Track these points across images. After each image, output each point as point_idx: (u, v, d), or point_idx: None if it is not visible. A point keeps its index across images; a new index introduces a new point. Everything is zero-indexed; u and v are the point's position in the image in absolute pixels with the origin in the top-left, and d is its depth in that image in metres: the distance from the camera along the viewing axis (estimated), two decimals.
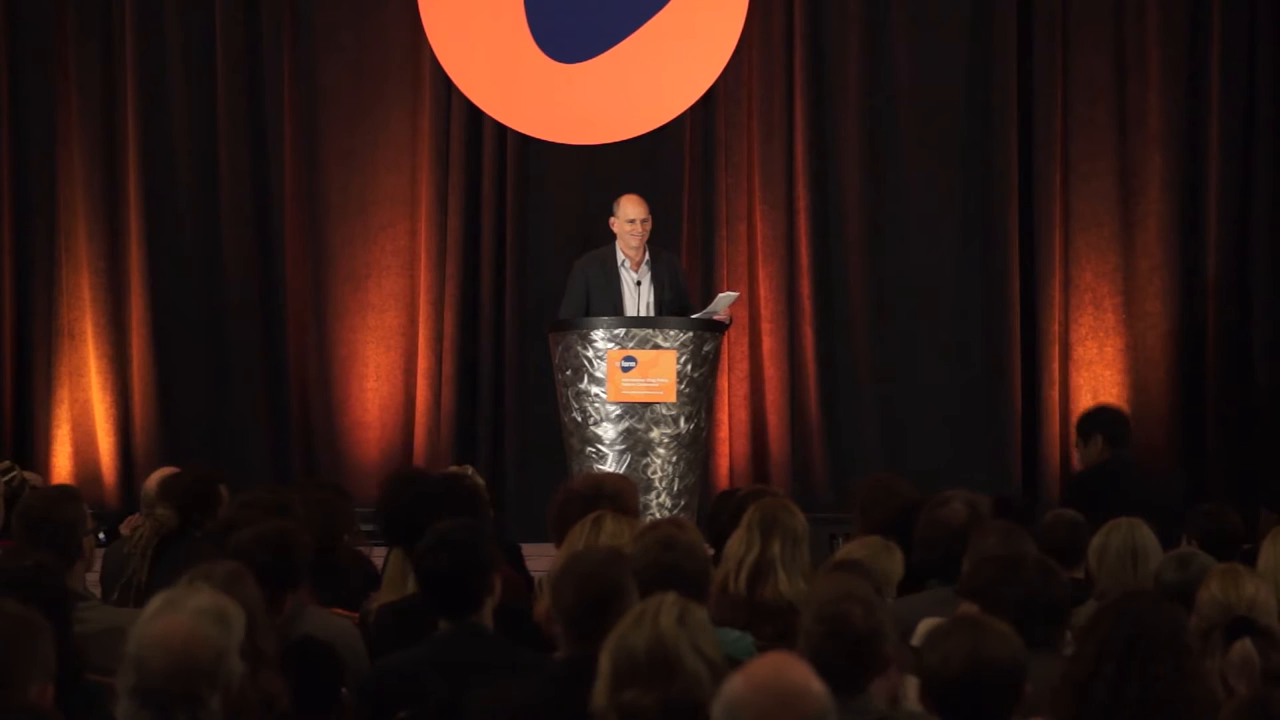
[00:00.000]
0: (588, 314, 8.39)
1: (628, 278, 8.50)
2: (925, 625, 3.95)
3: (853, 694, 3.44)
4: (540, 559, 5.73)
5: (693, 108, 10.34)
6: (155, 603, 3.27)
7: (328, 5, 10.51)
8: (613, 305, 8.42)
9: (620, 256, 8.54)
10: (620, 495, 5.33)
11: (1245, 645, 3.89)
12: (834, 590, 3.55)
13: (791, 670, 2.68)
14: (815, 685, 2.66)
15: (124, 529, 5.91)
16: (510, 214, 10.39)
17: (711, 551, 5.17)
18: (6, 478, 6.26)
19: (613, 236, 8.59)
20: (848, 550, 4.80)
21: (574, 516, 4.85)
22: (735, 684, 2.64)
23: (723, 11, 10.31)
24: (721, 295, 8.54)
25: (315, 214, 10.50)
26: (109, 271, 10.38)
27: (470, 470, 6.42)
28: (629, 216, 8.52)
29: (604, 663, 3.07)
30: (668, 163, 10.40)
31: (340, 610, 4.97)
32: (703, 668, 3.06)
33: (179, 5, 10.43)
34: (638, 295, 8.48)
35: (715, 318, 8.32)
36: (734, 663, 3.89)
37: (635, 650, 3.05)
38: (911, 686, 3.48)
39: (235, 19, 10.39)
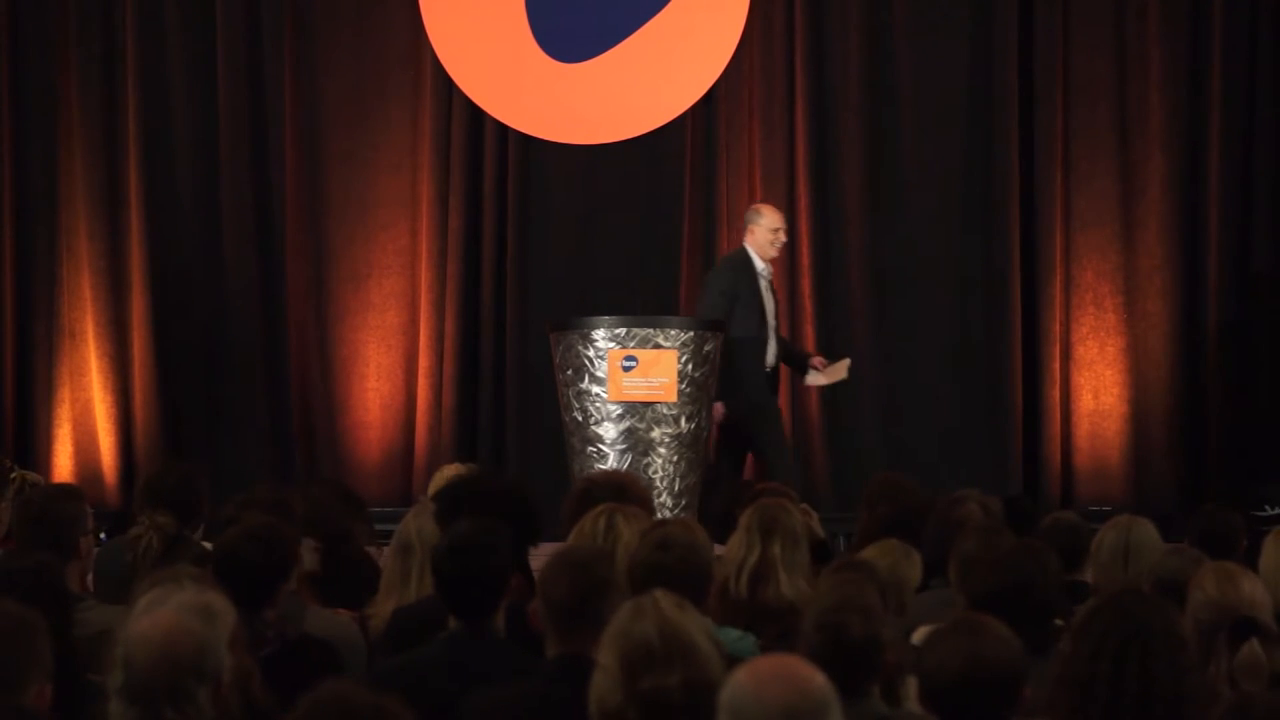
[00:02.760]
0: (731, 320, 8.52)
1: (763, 285, 8.72)
2: (925, 629, 3.95)
3: (854, 698, 3.44)
4: (541, 559, 5.71)
5: (693, 108, 10.34)
6: (142, 602, 3.27)
7: (328, 5, 10.51)
8: (759, 312, 8.69)
9: (759, 265, 8.72)
10: (638, 494, 5.33)
11: (1253, 647, 3.88)
12: (834, 598, 3.55)
13: (795, 663, 2.71)
14: (819, 676, 2.68)
15: None
16: (511, 214, 10.39)
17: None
18: (12, 477, 6.23)
19: (735, 239, 8.79)
20: (867, 554, 4.79)
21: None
22: (739, 677, 2.66)
23: (723, 11, 10.31)
24: (840, 363, 8.74)
25: (316, 214, 10.50)
26: (110, 271, 10.39)
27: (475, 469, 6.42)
28: (774, 226, 8.83)
29: (609, 660, 3.07)
30: (668, 163, 10.40)
31: (343, 610, 4.98)
32: (711, 648, 3.10)
33: (179, 5, 10.44)
34: (771, 301, 8.79)
35: (824, 380, 8.53)
36: (736, 661, 3.91)
37: (648, 639, 3.06)
38: (913, 686, 3.48)
39: (235, 19, 10.40)
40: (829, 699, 2.65)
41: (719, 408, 8.58)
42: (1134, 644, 3.32)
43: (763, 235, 8.77)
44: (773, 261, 9.02)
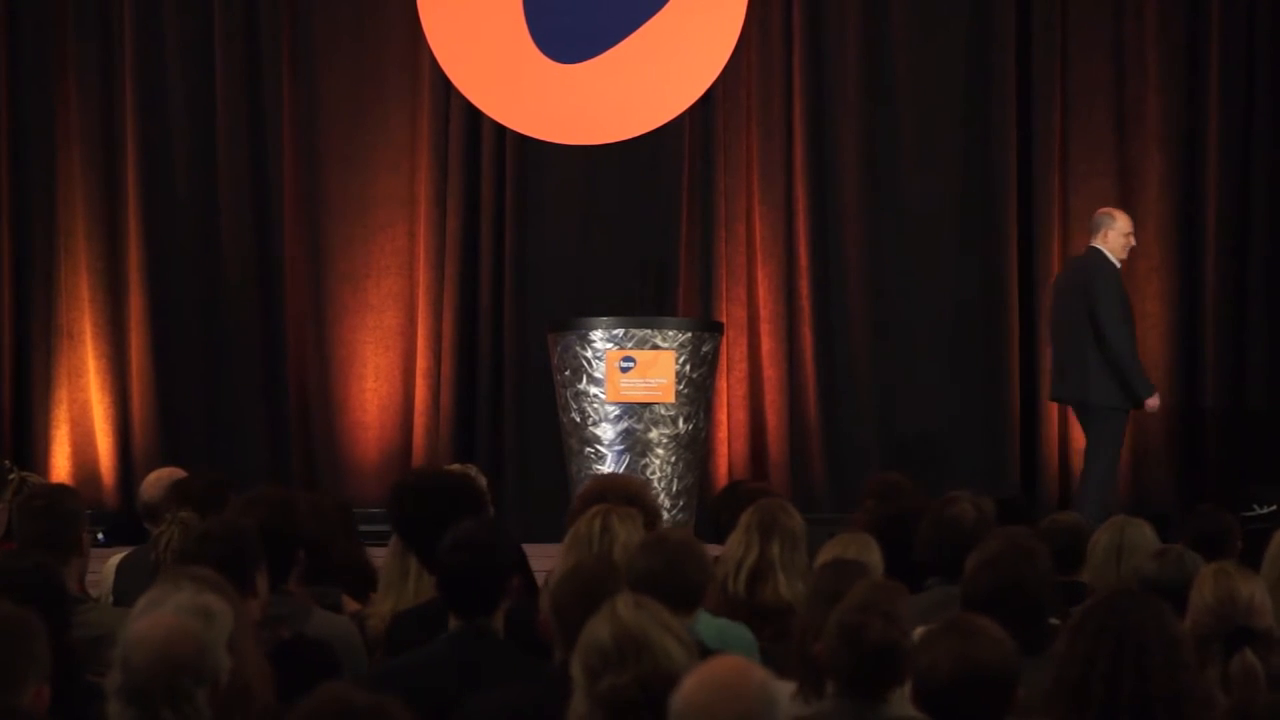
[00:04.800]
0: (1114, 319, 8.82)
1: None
2: (922, 629, 3.95)
3: (868, 702, 3.44)
4: (541, 559, 5.73)
5: (692, 108, 10.34)
6: (140, 602, 3.27)
7: (327, 5, 10.51)
8: (1128, 307, 9.00)
9: (1116, 263, 8.92)
10: (648, 505, 5.34)
11: (1246, 656, 3.89)
12: (857, 600, 3.54)
13: (738, 666, 2.74)
14: (758, 675, 2.70)
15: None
16: (509, 214, 10.39)
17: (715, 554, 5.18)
18: (10, 478, 6.22)
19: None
20: (829, 550, 4.81)
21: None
22: (686, 684, 2.70)
23: (722, 11, 10.31)
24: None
25: (314, 214, 10.49)
26: (108, 271, 10.38)
27: (474, 470, 6.44)
28: (1127, 230, 9.02)
29: (576, 670, 3.11)
30: (667, 163, 10.40)
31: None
32: (670, 641, 3.11)
33: (178, 5, 10.43)
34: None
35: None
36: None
37: (602, 643, 3.09)
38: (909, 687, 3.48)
39: (234, 19, 10.39)
40: (771, 698, 2.67)
41: (1155, 401, 8.96)
42: (1129, 644, 3.32)
43: (1116, 239, 8.98)
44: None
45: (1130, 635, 3.33)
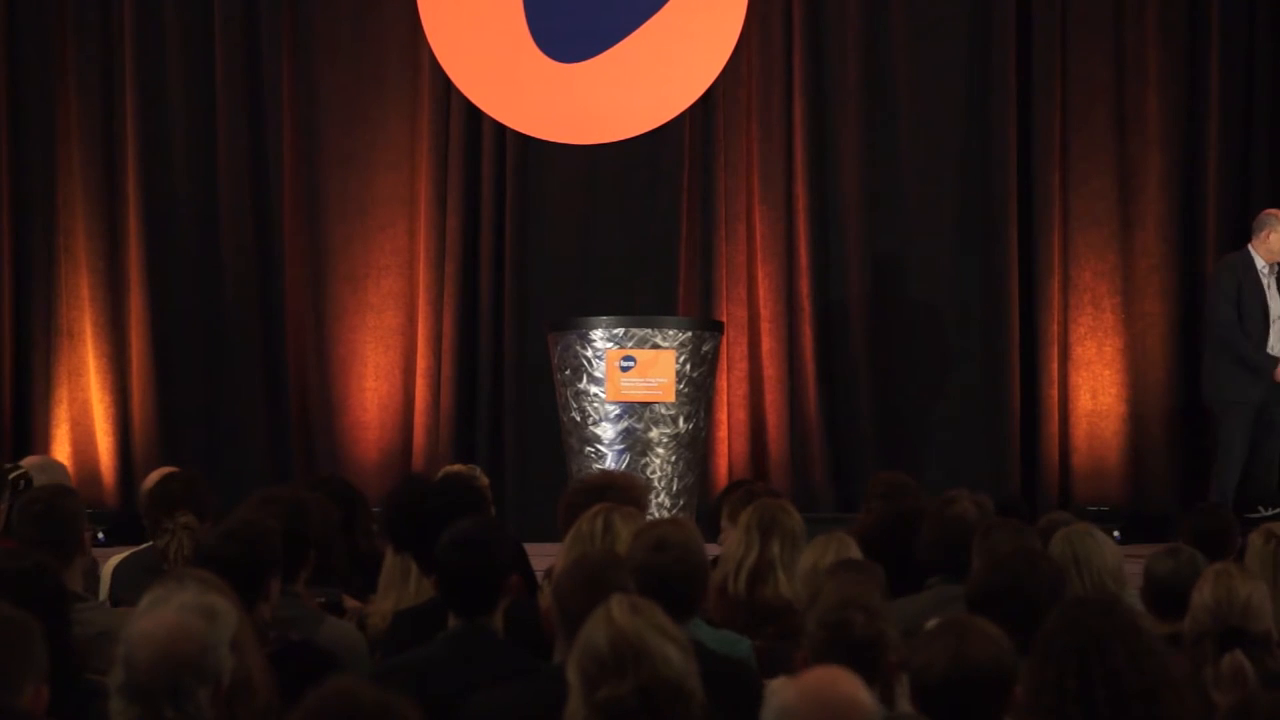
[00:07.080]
0: (1240, 315, 9.13)
1: (1265, 282, 9.20)
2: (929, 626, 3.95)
3: None
4: (540, 558, 5.73)
5: (692, 108, 10.35)
6: (144, 600, 3.27)
7: (327, 5, 10.52)
8: (1261, 307, 9.18)
9: (1260, 264, 9.19)
10: (631, 491, 5.34)
11: (1236, 657, 3.88)
12: (837, 597, 3.55)
13: (842, 681, 2.73)
14: (863, 695, 2.70)
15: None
16: (509, 214, 10.40)
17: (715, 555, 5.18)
18: (14, 474, 6.21)
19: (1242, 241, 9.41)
20: (809, 554, 4.80)
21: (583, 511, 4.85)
22: (787, 692, 2.68)
23: (722, 11, 10.31)
24: None
25: (314, 214, 10.50)
26: (108, 271, 10.39)
27: (477, 471, 6.43)
28: None
29: (572, 675, 3.08)
30: (667, 163, 10.40)
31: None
32: (669, 646, 3.08)
33: (178, 5, 10.44)
34: (1275, 298, 9.25)
35: None
36: (731, 662, 3.91)
37: (598, 649, 3.06)
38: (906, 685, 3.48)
39: (234, 19, 10.40)
40: (871, 716, 2.69)
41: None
42: (1092, 653, 3.30)
43: (1278, 240, 9.23)
44: None
45: (1091, 644, 3.30)
